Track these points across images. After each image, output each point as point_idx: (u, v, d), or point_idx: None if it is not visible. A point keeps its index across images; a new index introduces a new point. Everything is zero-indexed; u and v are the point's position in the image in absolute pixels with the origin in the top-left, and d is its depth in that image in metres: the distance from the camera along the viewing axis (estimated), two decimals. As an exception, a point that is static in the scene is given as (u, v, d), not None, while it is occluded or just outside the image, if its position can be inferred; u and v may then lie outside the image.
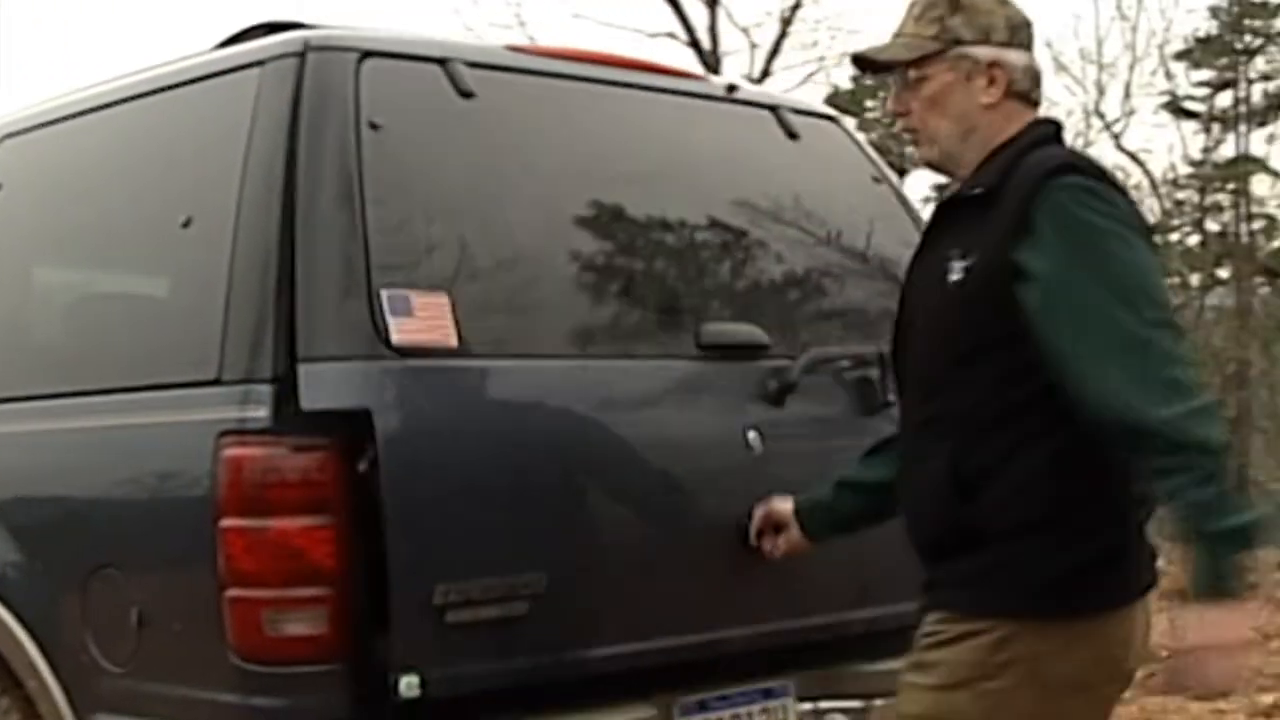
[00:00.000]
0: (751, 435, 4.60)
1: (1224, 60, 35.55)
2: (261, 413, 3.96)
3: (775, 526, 4.48)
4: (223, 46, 4.74)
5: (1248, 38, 35.43)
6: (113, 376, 4.46)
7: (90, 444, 4.48)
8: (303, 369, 3.94)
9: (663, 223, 4.80)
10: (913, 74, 3.75)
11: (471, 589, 3.99)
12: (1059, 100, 23.53)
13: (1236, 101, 35.41)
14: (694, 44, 20.68)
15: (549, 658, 4.19)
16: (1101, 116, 25.16)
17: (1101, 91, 25.42)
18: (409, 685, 3.89)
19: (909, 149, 37.41)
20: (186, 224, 4.34)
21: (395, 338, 4.01)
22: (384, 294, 4.03)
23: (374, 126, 4.19)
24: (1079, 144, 33.46)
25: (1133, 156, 25.40)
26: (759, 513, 4.49)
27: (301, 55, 4.24)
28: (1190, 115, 36.65)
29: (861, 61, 3.88)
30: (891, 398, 4.52)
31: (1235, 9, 33.78)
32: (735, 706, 4.65)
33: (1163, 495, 3.38)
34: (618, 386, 4.48)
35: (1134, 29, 26.36)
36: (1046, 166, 3.51)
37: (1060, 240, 3.43)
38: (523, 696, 4.13)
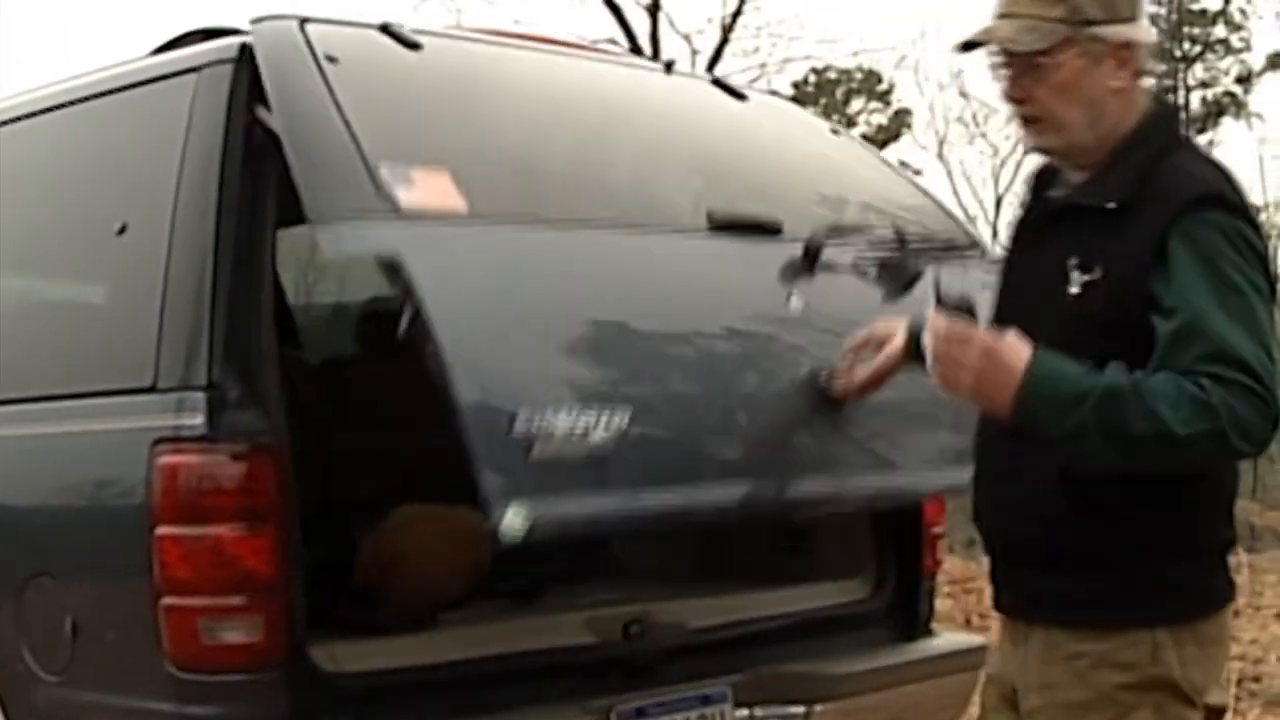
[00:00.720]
0: (793, 300, 4.44)
1: (1163, 67, 35.80)
2: (196, 420, 3.95)
3: (879, 342, 4.18)
4: (159, 52, 4.72)
5: (1186, 45, 35.69)
6: (49, 384, 4.45)
7: (25, 452, 4.47)
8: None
9: (631, 137, 4.79)
10: (1041, 60, 3.41)
11: (551, 422, 3.69)
12: (999, 107, 23.66)
13: (1175, 108, 35.70)
14: (635, 50, 20.75)
15: (631, 494, 3.90)
16: (1042, 123, 25.31)
17: (1041, 98, 25.56)
18: (515, 517, 3.57)
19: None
20: (122, 231, 4.33)
21: (404, 202, 3.85)
22: (383, 167, 3.89)
23: (331, 60, 4.14)
24: (1018, 151, 33.64)
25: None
26: (867, 330, 4.22)
27: (237, 61, 4.22)
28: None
29: (973, 46, 3.52)
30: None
31: (1174, 17, 34.05)
32: (672, 713, 4.64)
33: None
34: (641, 256, 4.34)
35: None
36: (1190, 195, 3.28)
37: (1194, 276, 3.23)
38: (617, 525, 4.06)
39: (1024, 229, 3.66)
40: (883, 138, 38.45)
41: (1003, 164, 37.23)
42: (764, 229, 4.54)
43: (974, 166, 47.76)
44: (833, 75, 35.23)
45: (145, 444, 4.00)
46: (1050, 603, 3.45)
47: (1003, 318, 3.55)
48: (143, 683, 4.04)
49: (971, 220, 37.09)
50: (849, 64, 33.75)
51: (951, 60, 38.05)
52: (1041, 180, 3.65)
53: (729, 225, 4.47)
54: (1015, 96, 3.49)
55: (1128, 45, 3.42)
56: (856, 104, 37.83)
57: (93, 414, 4.25)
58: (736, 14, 21.99)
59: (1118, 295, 3.29)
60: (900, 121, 38.79)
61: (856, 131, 38.41)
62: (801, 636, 5.00)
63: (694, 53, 22.05)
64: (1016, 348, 3.26)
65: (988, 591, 10.73)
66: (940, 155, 43.94)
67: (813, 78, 36.20)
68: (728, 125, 5.16)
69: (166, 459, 3.95)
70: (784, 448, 4.20)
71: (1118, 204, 3.33)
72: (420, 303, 3.61)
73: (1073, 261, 3.35)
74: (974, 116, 43.42)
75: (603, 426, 3.71)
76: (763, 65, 23.12)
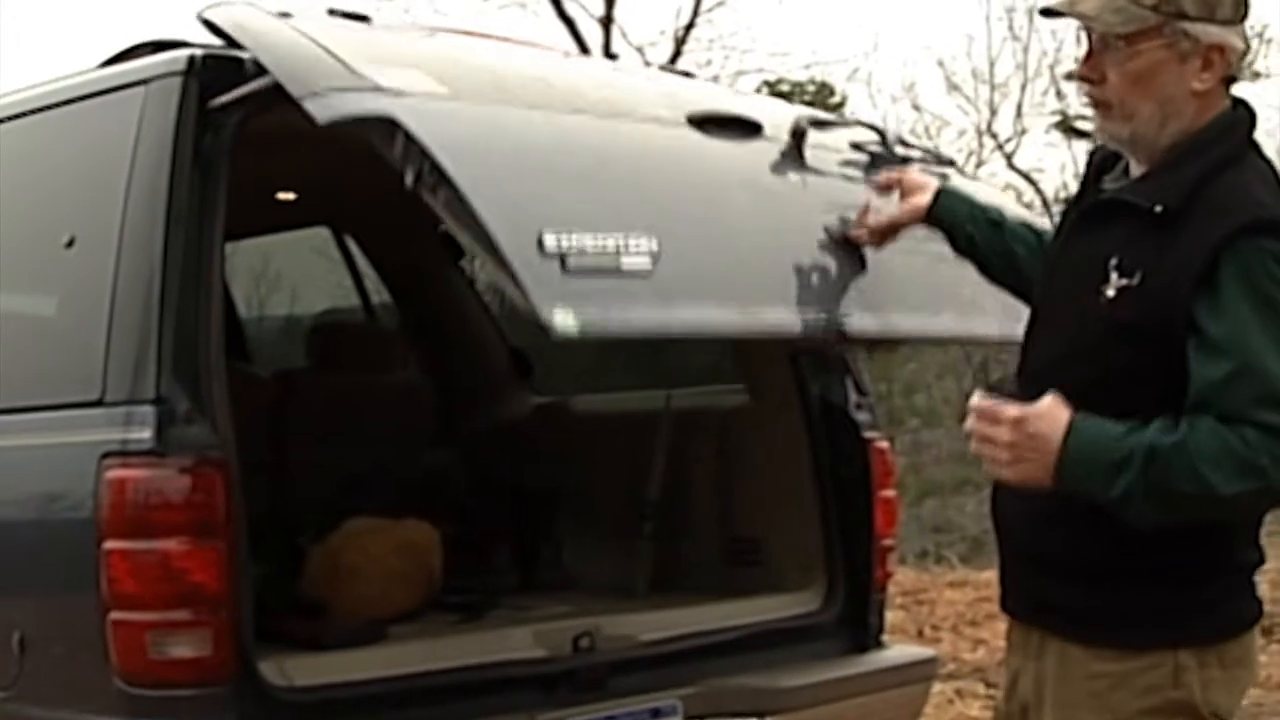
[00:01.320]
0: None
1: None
2: (145, 434, 3.94)
3: (907, 190, 4.09)
4: (108, 65, 4.71)
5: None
6: (-3, 397, 4.42)
7: (-27, 465, 4.44)
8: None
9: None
10: (1123, 44, 3.24)
11: (580, 241, 3.58)
12: (951, 120, 23.75)
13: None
14: (589, 63, 20.71)
15: (668, 307, 3.77)
16: (994, 136, 25.46)
17: (994, 111, 25.70)
18: (566, 315, 3.43)
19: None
20: (70, 243, 4.31)
21: (383, 82, 3.89)
22: (358, 63, 3.95)
23: (285, 15, 4.21)
24: (971, 164, 33.73)
25: (1025, 175, 25.67)
26: (900, 172, 4.17)
27: (185, 74, 4.22)
28: (1082, 135, 36.95)
29: (1055, 13, 3.36)
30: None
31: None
32: (622, 726, 4.65)
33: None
34: (636, 137, 4.32)
35: (1026, 49, 26.56)
36: (1245, 217, 3.11)
37: (1247, 311, 3.09)
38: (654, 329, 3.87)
39: (1072, 217, 3.53)
40: (836, 150, 38.50)
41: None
42: (745, 125, 4.50)
43: (927, 179, 47.74)
44: (785, 88, 35.17)
45: (93, 458, 3.98)
46: (1065, 615, 3.35)
47: (1038, 309, 3.51)
48: (91, 697, 4.03)
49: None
50: (802, 76, 33.73)
51: (904, 73, 38.08)
52: (1102, 167, 3.51)
53: (710, 120, 4.43)
54: (1087, 76, 3.34)
55: (1220, 48, 3.24)
56: (811, 116, 37.79)
57: (41, 428, 4.24)
58: (689, 26, 21.96)
59: (1153, 306, 3.15)
60: (853, 134, 38.84)
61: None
62: (752, 649, 5.00)
63: (647, 65, 22.02)
64: (1051, 417, 3.14)
65: (939, 603, 10.74)
66: (894, 167, 44.09)
67: (765, 90, 36.20)
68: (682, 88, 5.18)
69: (114, 473, 3.94)
70: (810, 280, 4.09)
71: (1165, 209, 3.19)
72: (426, 148, 3.58)
73: (1113, 262, 3.22)
74: (926, 129, 43.51)
75: (632, 248, 3.64)
76: (715, 78, 23.04)
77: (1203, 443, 3.05)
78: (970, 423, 3.23)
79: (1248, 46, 3.33)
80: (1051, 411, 3.14)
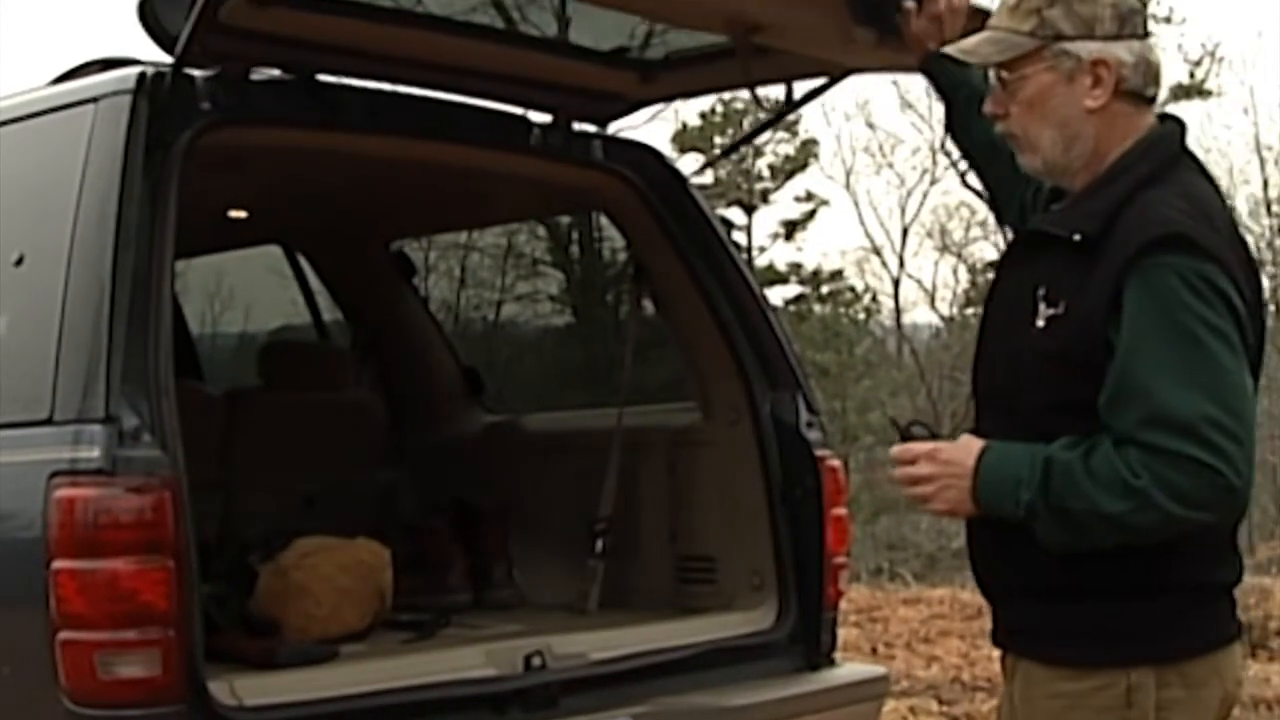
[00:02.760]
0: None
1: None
2: (94, 453, 3.92)
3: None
4: (57, 82, 4.70)
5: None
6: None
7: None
8: None
9: None
10: (1006, 75, 3.36)
11: None
12: (905, 137, 23.83)
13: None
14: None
15: None
16: (948, 154, 25.58)
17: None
18: None
19: (759, 185, 37.51)
20: (19, 262, 4.29)
21: None
22: None
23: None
24: (925, 182, 33.89)
25: (978, 193, 25.78)
26: None
27: (135, 92, 4.21)
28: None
29: (952, 54, 3.49)
30: None
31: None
32: (572, 746, 4.65)
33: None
34: None
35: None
36: (1149, 235, 3.15)
37: (1145, 328, 3.13)
38: None
39: (1011, 249, 3.61)
40: (790, 168, 38.53)
41: (909, 194, 37.40)
42: None
43: (881, 197, 48.02)
44: (740, 106, 35.28)
45: (42, 477, 3.95)
46: (1031, 635, 3.39)
47: (984, 340, 3.56)
48: (39, 717, 4.00)
49: (878, 250, 37.31)
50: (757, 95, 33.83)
51: (858, 91, 38.17)
52: (1052, 194, 3.57)
53: None
54: (995, 112, 3.45)
55: (1104, 63, 3.30)
56: (763, 135, 37.90)
57: (-11, 447, 4.21)
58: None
59: (1079, 334, 3.20)
60: (807, 152, 38.86)
61: (763, 162, 38.51)
62: (704, 667, 5.00)
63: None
64: (964, 445, 3.29)
65: (893, 620, 10.82)
66: (847, 186, 44.14)
67: (720, 108, 36.24)
68: None
69: (63, 492, 3.91)
70: None
71: (1083, 237, 3.24)
72: None
73: (1040, 292, 3.28)
74: (880, 147, 43.70)
75: None
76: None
77: (1096, 462, 3.13)
78: (898, 471, 3.37)
79: (1153, 61, 3.37)
80: (965, 441, 3.30)
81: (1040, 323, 3.26)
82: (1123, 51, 3.32)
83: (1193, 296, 3.13)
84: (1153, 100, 3.40)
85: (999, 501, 3.23)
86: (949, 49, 3.51)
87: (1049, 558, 3.24)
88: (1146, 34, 3.37)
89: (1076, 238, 3.25)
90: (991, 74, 3.49)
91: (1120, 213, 3.23)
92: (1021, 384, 3.33)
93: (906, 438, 3.41)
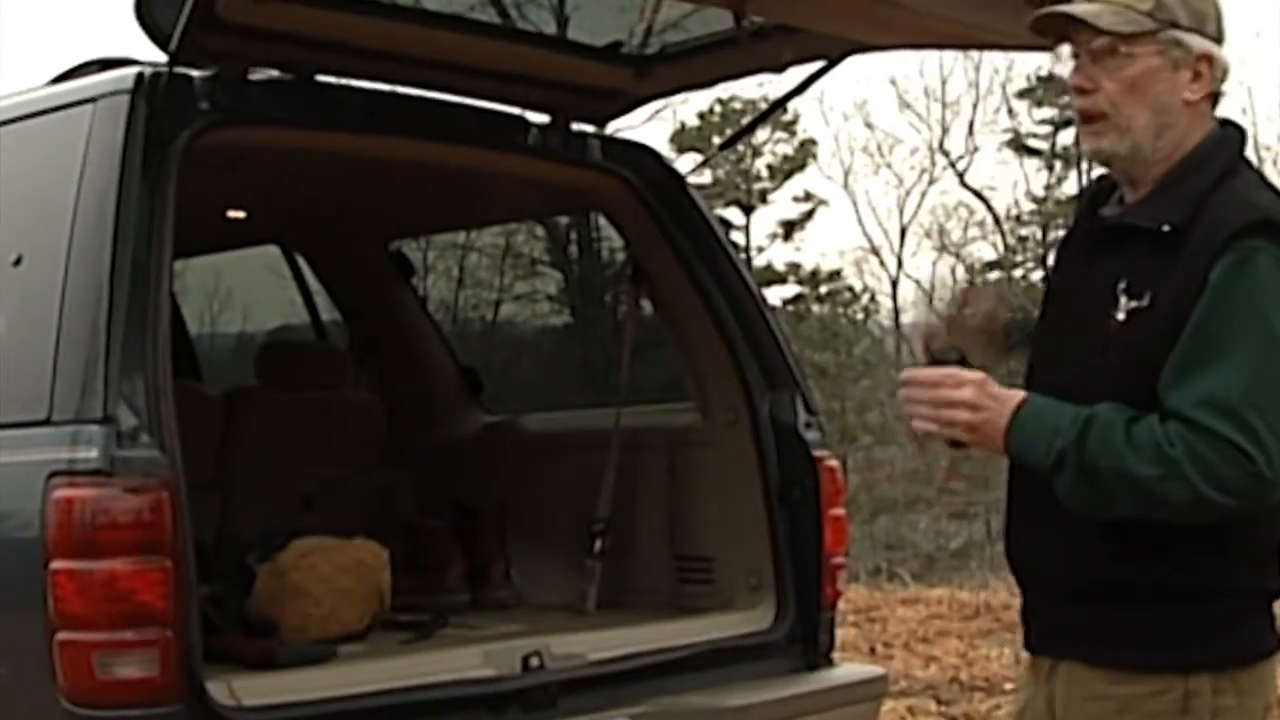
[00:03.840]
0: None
1: (1066, 99, 36.07)
2: (92, 453, 3.92)
3: None
4: (55, 83, 4.70)
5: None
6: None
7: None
8: None
9: None
10: (1122, 49, 3.25)
11: None
12: (903, 138, 23.85)
13: (1078, 139, 35.97)
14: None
15: None
16: (946, 154, 25.61)
17: (946, 129, 25.88)
18: None
19: (757, 185, 37.55)
20: (17, 262, 4.29)
21: None
22: None
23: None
24: (924, 182, 33.93)
25: (976, 193, 25.84)
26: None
27: (133, 92, 4.21)
28: (1033, 153, 37.15)
29: (1054, 18, 3.34)
30: None
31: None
32: (568, 748, 4.65)
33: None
34: None
35: (977, 68, 26.73)
36: (1239, 222, 3.13)
37: (1217, 313, 3.11)
38: None
39: (1072, 247, 3.55)
40: (788, 168, 38.62)
41: (907, 194, 37.47)
42: None
43: (879, 196, 47.96)
44: (738, 105, 35.32)
45: (40, 477, 3.95)
46: (1077, 637, 3.33)
47: (1045, 339, 3.51)
48: (37, 718, 4.00)
49: (877, 250, 37.32)
50: (754, 94, 33.82)
51: (856, 91, 38.17)
52: (1096, 198, 3.52)
53: None
54: (1082, 86, 3.33)
55: (1209, 59, 3.28)
56: (762, 134, 37.96)
57: (-12, 447, 4.21)
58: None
59: (1164, 325, 3.15)
60: (806, 152, 38.93)
61: (761, 162, 38.55)
62: (702, 668, 5.00)
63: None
64: (1011, 391, 3.25)
65: (891, 620, 10.81)
66: (846, 186, 44.17)
67: (718, 108, 36.28)
68: None
69: (61, 492, 3.91)
70: None
71: (1172, 227, 3.20)
72: None
73: (1121, 285, 3.23)
74: (879, 147, 43.75)
75: None
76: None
77: (1137, 428, 3.11)
78: (920, 390, 3.30)
79: (1230, 70, 3.36)
80: (1011, 388, 3.26)
81: (1120, 315, 3.22)
82: (1223, 54, 3.32)
83: (1273, 284, 3.12)
84: (1220, 99, 3.38)
85: (1031, 445, 3.20)
86: (1069, 8, 3.32)
87: (1103, 558, 3.24)
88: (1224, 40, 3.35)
89: (1165, 228, 3.20)
90: (1066, 49, 3.37)
91: (1206, 202, 3.21)
92: (1093, 381, 3.25)
93: (937, 361, 3.35)
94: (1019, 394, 3.25)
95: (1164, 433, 3.08)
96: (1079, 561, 3.28)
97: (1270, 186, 3.34)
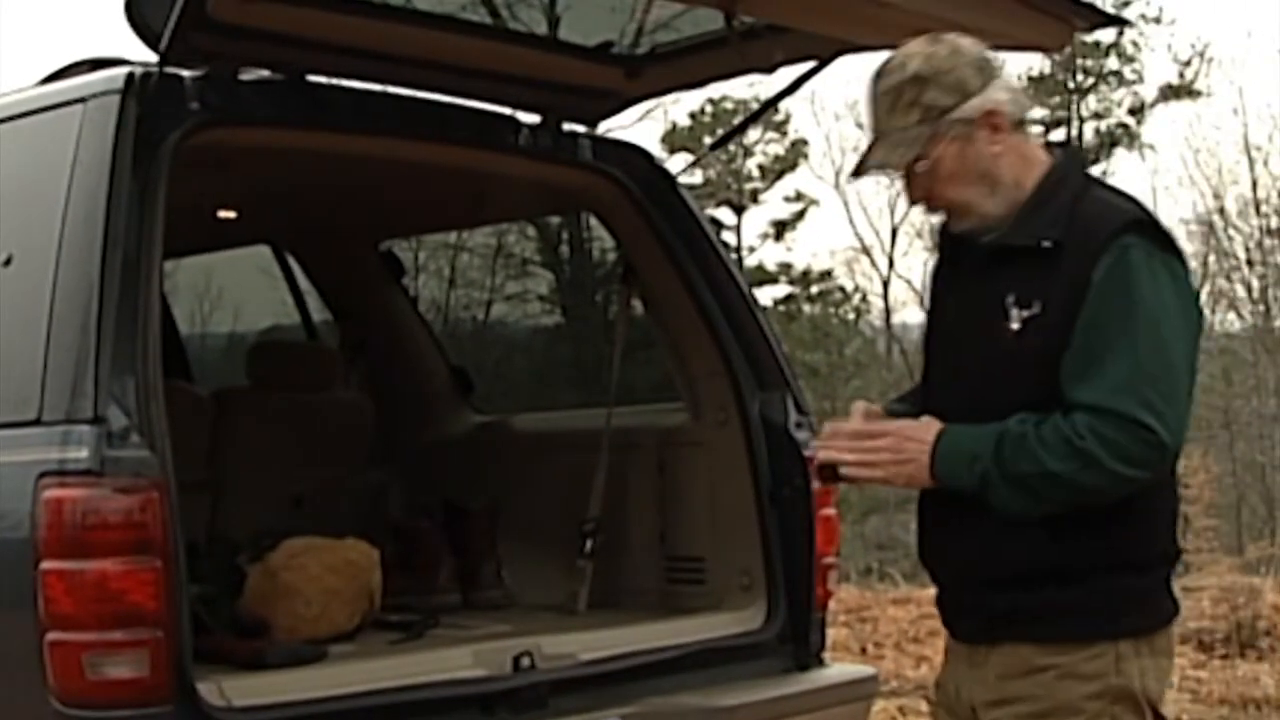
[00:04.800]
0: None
1: (1057, 99, 36.12)
2: (82, 454, 3.91)
3: None
4: (46, 82, 4.69)
5: (1080, 76, 36.03)
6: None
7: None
8: None
9: None
10: (922, 161, 3.58)
11: None
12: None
13: (1069, 139, 35.94)
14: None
15: None
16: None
17: (936, 129, 25.77)
18: None
19: (748, 185, 37.50)
20: (7, 262, 4.29)
21: None
22: None
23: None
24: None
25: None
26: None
27: (124, 92, 4.21)
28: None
29: (865, 173, 3.75)
30: None
31: (1068, 49, 34.32)
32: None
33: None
34: None
35: (968, 67, 26.73)
36: (1111, 226, 3.45)
37: (1100, 307, 3.41)
38: None
39: (950, 273, 3.79)
40: (779, 168, 38.61)
41: (899, 194, 37.45)
42: None
43: (870, 197, 47.89)
44: (729, 106, 35.32)
45: (30, 477, 3.95)
46: (1019, 619, 3.56)
47: (940, 360, 3.79)
48: (27, 718, 3.99)
49: (868, 250, 37.31)
50: (745, 94, 33.82)
51: (847, 91, 38.17)
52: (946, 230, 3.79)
53: None
54: (918, 198, 3.68)
55: (990, 112, 3.56)
56: (753, 134, 37.94)
57: (-22, 447, 4.20)
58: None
59: (1056, 328, 3.44)
60: (797, 152, 38.91)
61: (752, 162, 38.55)
62: (693, 668, 5.00)
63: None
64: (926, 425, 3.55)
65: (882, 620, 10.79)
66: (837, 186, 44.07)
67: (709, 108, 36.28)
68: None
69: (51, 493, 3.91)
70: None
71: (1052, 242, 3.48)
72: None
73: (1011, 299, 3.50)
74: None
75: None
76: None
77: (1045, 429, 3.40)
78: (843, 440, 3.66)
79: (1019, 87, 3.69)
80: (926, 422, 3.57)
81: (1015, 325, 3.49)
82: (999, 93, 3.59)
83: (1147, 274, 3.43)
84: (1027, 122, 3.69)
85: (957, 473, 3.49)
86: (862, 163, 3.69)
87: (1038, 546, 3.50)
88: (1001, 69, 3.64)
89: (1046, 244, 3.49)
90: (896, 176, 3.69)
91: (1075, 215, 3.51)
92: (995, 388, 3.52)
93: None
94: (934, 429, 3.54)
95: (1070, 427, 3.37)
96: (1013, 553, 3.54)
97: (1122, 193, 3.64)
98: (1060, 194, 3.57)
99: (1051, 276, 3.46)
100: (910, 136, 3.56)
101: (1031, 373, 3.46)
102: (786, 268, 38.64)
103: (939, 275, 3.84)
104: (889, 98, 3.59)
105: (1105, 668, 3.52)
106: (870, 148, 3.65)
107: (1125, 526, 3.51)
